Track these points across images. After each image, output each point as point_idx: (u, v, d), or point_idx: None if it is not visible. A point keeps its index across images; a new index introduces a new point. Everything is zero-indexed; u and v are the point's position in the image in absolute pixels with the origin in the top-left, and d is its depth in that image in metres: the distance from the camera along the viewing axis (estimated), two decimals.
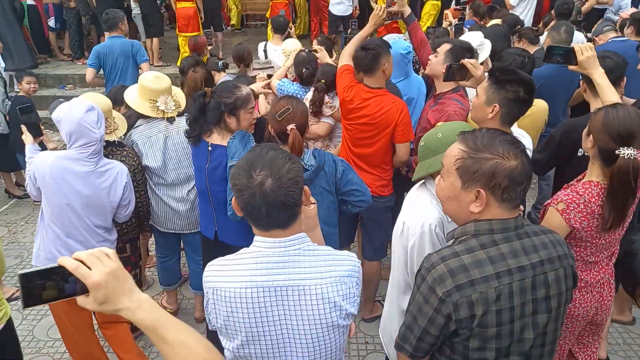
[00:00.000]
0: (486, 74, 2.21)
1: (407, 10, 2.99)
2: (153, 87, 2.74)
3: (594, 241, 1.83)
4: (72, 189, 2.26)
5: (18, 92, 4.70)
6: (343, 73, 2.81)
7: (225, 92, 2.40)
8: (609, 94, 2.06)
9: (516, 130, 2.12)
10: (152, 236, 3.22)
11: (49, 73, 7.81)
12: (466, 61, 2.28)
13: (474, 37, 3.25)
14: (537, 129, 2.68)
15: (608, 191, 1.72)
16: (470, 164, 1.24)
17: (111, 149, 2.58)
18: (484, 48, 3.22)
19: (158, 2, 8.20)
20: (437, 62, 2.62)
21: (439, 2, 8.58)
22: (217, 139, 2.44)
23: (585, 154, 1.91)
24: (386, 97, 2.71)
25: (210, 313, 1.35)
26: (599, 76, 2.07)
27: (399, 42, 3.45)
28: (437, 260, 1.24)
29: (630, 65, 2.65)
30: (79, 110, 2.17)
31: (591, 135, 1.78)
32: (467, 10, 6.18)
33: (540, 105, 2.62)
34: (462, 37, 3.42)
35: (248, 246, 1.35)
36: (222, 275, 1.32)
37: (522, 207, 1.44)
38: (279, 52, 4.35)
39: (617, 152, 1.63)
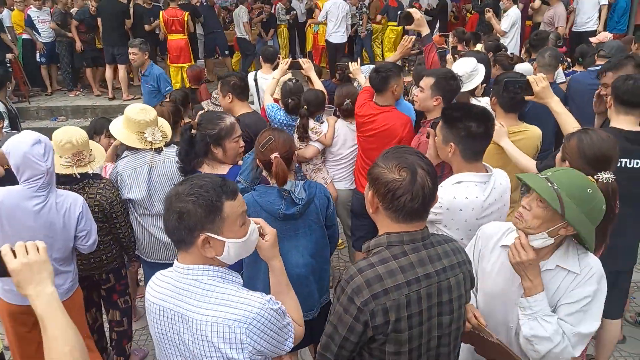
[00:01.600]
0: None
1: (425, 31, 3.11)
2: (140, 120, 2.75)
3: None
4: (24, 226, 2.22)
5: None
6: (362, 92, 3.22)
7: (209, 124, 2.42)
8: (568, 120, 2.16)
9: (495, 169, 2.07)
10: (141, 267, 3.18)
11: (41, 105, 7.87)
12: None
13: (467, 63, 3.29)
14: (531, 155, 2.67)
15: None
16: (371, 168, 1.40)
17: (87, 181, 2.56)
18: (477, 73, 3.26)
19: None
20: (425, 97, 2.62)
21: (399, 28, 8.88)
22: (208, 169, 2.46)
23: None
24: (392, 114, 3.02)
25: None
26: (555, 104, 2.19)
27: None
28: (355, 272, 1.34)
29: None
30: (25, 143, 2.15)
31: (567, 162, 1.81)
32: (450, 38, 6.33)
33: (532, 131, 2.62)
34: (457, 63, 3.46)
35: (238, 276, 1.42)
36: (152, 287, 1.42)
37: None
38: (269, 81, 4.43)
39: (595, 177, 1.64)
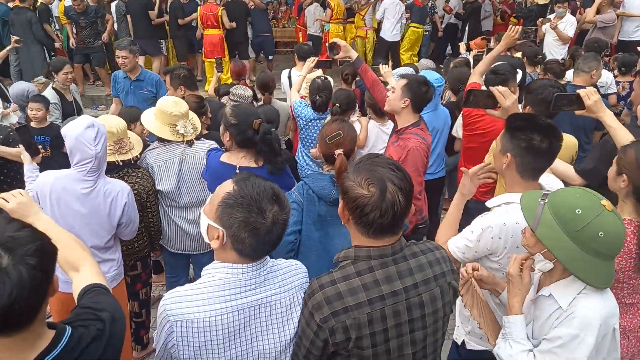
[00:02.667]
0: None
1: (354, 55, 3.05)
2: (173, 112, 2.77)
3: (631, 282, 1.74)
4: (70, 209, 2.25)
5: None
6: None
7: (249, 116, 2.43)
8: (622, 134, 2.01)
9: (550, 177, 1.95)
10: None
11: (83, 94, 8.09)
12: (495, 89, 2.12)
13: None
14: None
15: None
16: (342, 178, 1.35)
17: (127, 170, 2.59)
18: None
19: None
20: (395, 97, 2.62)
21: (420, 29, 8.72)
22: (244, 161, 2.43)
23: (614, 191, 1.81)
24: None
25: (174, 346, 1.28)
26: (609, 118, 2.04)
27: (429, 73, 3.46)
28: (317, 288, 1.32)
29: None
30: (79, 127, 2.18)
31: (624, 175, 1.69)
32: (491, 42, 6.15)
33: (568, 141, 2.48)
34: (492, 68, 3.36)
35: None
36: (190, 305, 1.27)
37: None
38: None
39: None
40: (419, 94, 2.58)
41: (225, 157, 2.46)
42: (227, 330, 1.29)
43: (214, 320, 1.27)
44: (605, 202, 1.34)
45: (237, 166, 2.41)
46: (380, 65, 3.74)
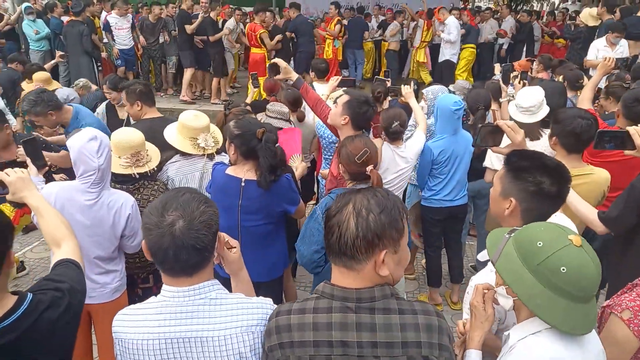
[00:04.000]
0: None
1: (294, 76, 3.02)
2: (194, 125, 2.82)
3: None
4: (73, 219, 2.28)
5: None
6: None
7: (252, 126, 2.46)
8: None
9: (559, 216, 1.76)
10: None
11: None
12: (503, 123, 1.89)
13: (533, 94, 3.06)
14: (594, 202, 2.32)
15: None
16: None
17: (142, 182, 2.64)
18: (542, 107, 3.03)
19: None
20: (336, 113, 2.65)
21: (474, 50, 8.75)
22: (249, 174, 2.44)
23: None
24: None
25: None
26: None
27: (448, 97, 3.35)
28: (274, 314, 1.28)
29: None
30: (82, 139, 2.24)
31: None
32: (534, 65, 5.92)
33: (599, 175, 2.29)
34: (521, 91, 3.23)
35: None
36: (129, 325, 1.29)
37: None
38: (323, 88, 4.48)
39: None
40: (359, 113, 2.59)
41: (230, 170, 2.47)
42: (155, 358, 1.26)
43: (144, 344, 1.26)
44: (573, 236, 1.21)
45: (243, 179, 2.42)
46: (402, 85, 3.67)
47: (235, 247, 1.51)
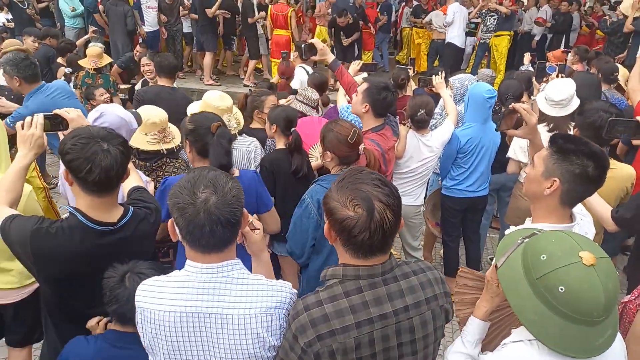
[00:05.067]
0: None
1: (331, 58, 2.95)
2: (218, 106, 2.85)
3: None
4: None
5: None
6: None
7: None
8: None
9: (584, 214, 1.75)
10: None
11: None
12: (518, 106, 1.87)
13: (564, 87, 2.96)
14: (615, 198, 2.29)
15: None
16: (326, 197, 1.28)
17: (165, 159, 2.68)
18: (572, 100, 2.94)
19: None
20: (357, 102, 2.64)
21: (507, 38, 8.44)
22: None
23: None
24: None
25: (139, 332, 1.35)
26: None
27: (482, 85, 3.29)
28: (302, 309, 1.25)
29: None
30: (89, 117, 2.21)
31: None
32: (569, 56, 5.71)
33: (622, 170, 2.25)
34: (551, 83, 3.14)
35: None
36: (151, 296, 1.32)
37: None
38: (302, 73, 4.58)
39: None
40: (378, 99, 2.56)
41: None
42: (175, 330, 1.28)
43: (165, 315, 1.28)
44: (586, 254, 1.12)
45: None
46: (434, 75, 3.61)
47: (259, 229, 1.53)
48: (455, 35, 8.28)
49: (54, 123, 1.88)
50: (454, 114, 3.32)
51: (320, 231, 2.07)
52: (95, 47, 5.48)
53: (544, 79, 4.44)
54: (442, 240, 3.70)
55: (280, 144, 2.94)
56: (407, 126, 3.14)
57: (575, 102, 2.94)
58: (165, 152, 2.64)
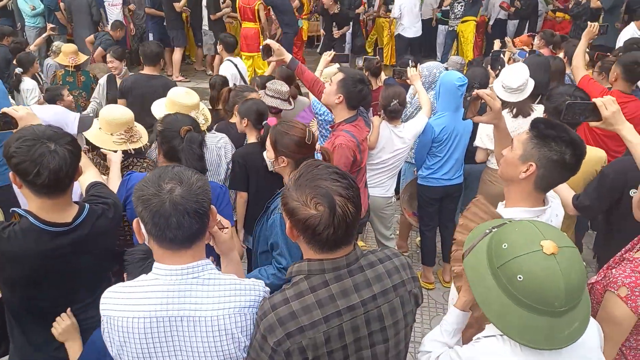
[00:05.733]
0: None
1: (288, 57, 2.92)
2: (184, 102, 2.77)
3: None
4: None
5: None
6: (590, 81, 3.30)
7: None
8: None
9: (554, 197, 1.77)
10: None
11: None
12: (482, 92, 1.84)
13: (518, 73, 2.99)
14: (584, 181, 2.35)
15: None
16: (284, 198, 1.26)
17: (132, 159, 2.60)
18: (527, 85, 2.99)
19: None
20: (330, 92, 2.57)
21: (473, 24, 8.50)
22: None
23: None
24: (637, 103, 3.09)
25: (106, 341, 1.29)
26: (628, 132, 1.79)
27: (452, 73, 3.31)
28: (268, 309, 1.24)
29: None
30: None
31: None
32: (535, 40, 5.80)
33: (592, 155, 2.28)
34: (505, 70, 3.17)
35: None
36: (118, 303, 1.27)
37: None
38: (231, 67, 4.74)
39: None
40: (353, 91, 2.52)
41: None
42: (145, 336, 1.24)
43: (133, 322, 1.23)
44: (547, 242, 1.10)
45: None
46: (408, 68, 3.60)
47: (227, 228, 1.50)
48: (406, 27, 8.24)
49: (2, 122, 1.80)
50: (428, 106, 3.32)
51: None
52: (70, 44, 5.35)
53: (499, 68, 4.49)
54: (419, 230, 3.72)
55: (252, 138, 2.90)
56: (381, 117, 3.13)
57: (530, 86, 2.99)
58: (132, 151, 2.56)
